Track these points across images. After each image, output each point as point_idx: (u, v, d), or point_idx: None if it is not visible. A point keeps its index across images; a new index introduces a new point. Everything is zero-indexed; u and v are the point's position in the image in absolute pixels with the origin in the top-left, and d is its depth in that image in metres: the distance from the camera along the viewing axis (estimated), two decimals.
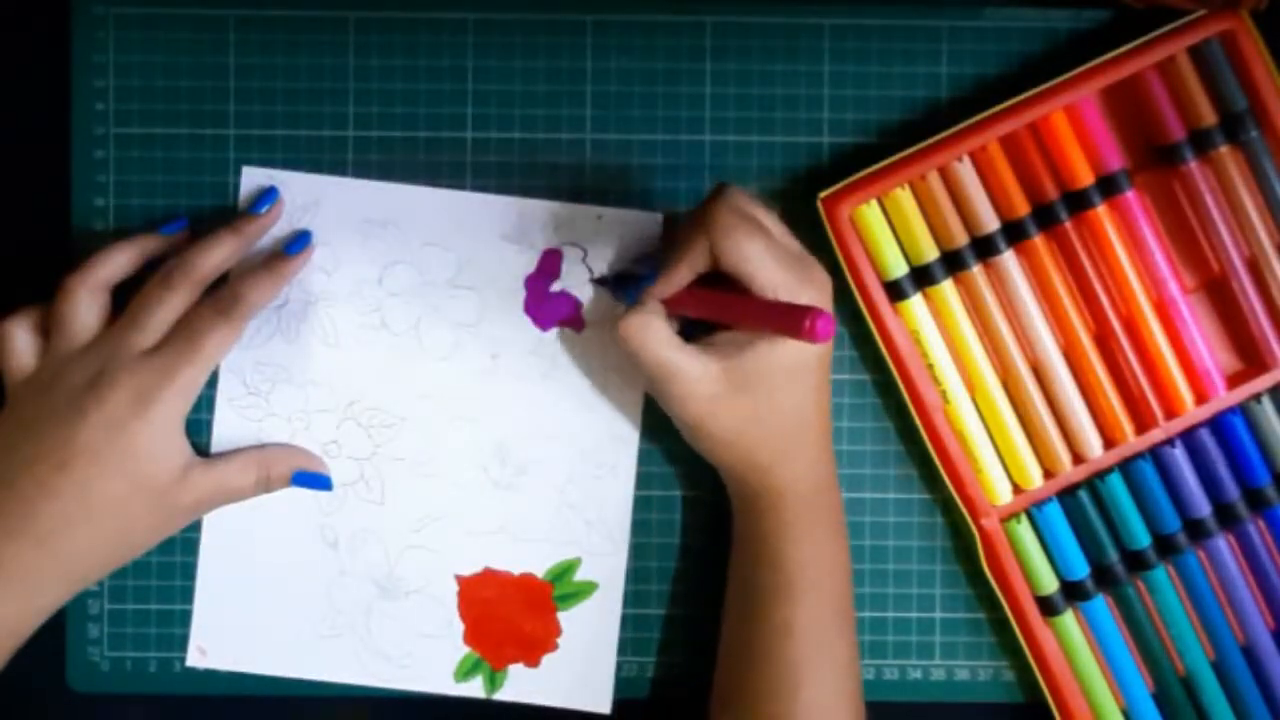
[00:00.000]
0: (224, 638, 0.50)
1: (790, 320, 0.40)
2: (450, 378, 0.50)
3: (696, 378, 0.44)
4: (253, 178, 0.50)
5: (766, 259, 0.43)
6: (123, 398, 0.44)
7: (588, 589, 0.50)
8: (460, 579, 0.50)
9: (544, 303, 0.50)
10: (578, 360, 0.50)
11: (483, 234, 0.50)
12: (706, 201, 0.44)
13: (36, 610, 0.45)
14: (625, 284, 0.49)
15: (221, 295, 0.47)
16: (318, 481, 0.50)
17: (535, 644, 0.50)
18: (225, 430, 0.50)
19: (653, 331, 0.44)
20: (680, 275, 0.45)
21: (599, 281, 0.50)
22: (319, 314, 0.50)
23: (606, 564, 0.50)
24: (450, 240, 0.50)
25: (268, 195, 0.49)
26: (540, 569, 0.50)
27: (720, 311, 0.44)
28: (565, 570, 0.50)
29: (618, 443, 0.50)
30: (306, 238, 0.49)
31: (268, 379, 0.49)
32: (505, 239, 0.50)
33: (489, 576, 0.50)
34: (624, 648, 0.51)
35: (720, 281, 0.44)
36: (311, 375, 0.50)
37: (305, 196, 0.50)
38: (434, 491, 0.50)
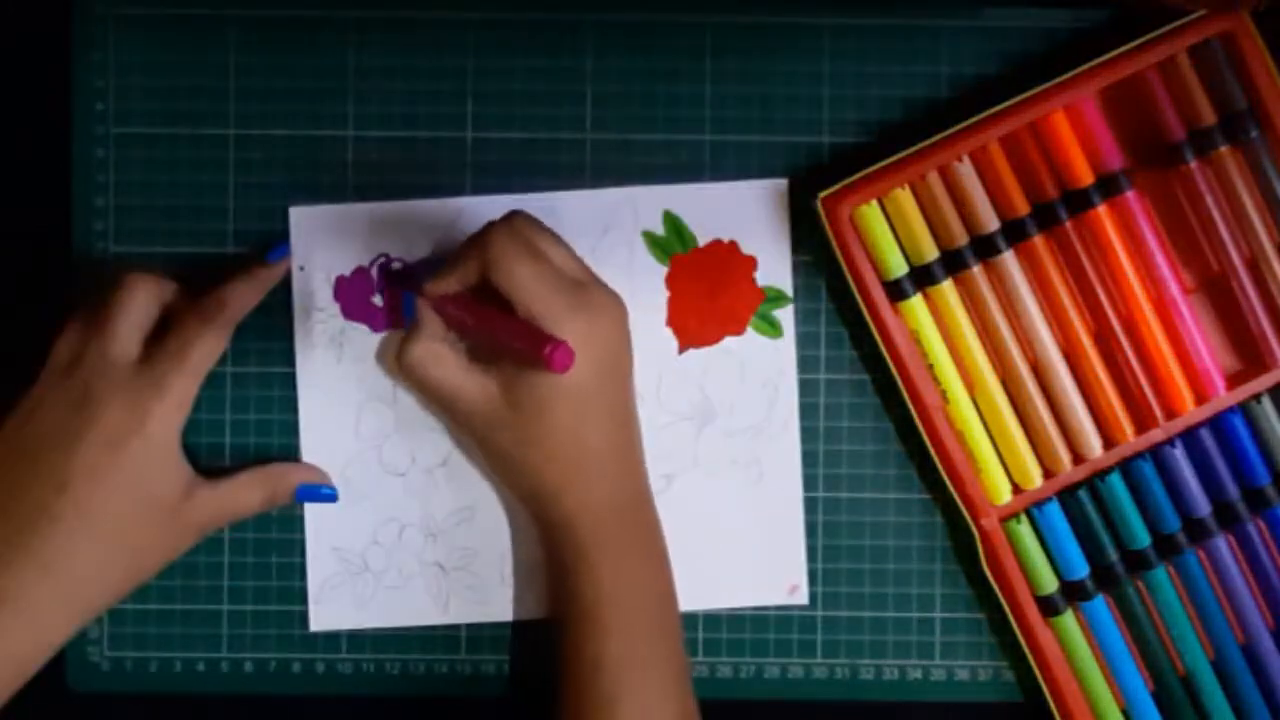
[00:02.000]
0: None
1: (533, 346, 0.41)
2: None
3: (478, 399, 0.45)
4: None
5: (531, 284, 0.43)
6: (117, 413, 0.43)
7: None
8: None
9: (397, 309, 0.50)
10: None
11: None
12: (488, 222, 0.45)
13: (44, 642, 0.44)
14: (405, 282, 0.49)
15: (205, 304, 0.46)
16: (322, 495, 0.49)
17: None
18: None
19: (432, 356, 0.45)
20: (449, 283, 0.45)
21: (389, 282, 0.50)
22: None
23: None
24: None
25: (280, 248, 0.49)
26: None
27: (483, 326, 0.44)
28: None
29: None
30: (285, 247, 0.49)
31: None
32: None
33: None
34: None
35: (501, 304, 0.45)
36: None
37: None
38: None
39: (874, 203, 0.48)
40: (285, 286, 0.50)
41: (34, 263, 0.50)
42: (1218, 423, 0.49)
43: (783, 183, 0.50)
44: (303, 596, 0.50)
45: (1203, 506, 0.49)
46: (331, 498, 0.50)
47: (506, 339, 0.43)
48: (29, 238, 0.51)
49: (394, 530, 0.50)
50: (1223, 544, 0.49)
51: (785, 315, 0.50)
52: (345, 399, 0.50)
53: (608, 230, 0.50)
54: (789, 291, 0.50)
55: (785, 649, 0.51)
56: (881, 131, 0.50)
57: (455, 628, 0.51)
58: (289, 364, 0.50)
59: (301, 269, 0.50)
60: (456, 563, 0.50)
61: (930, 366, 0.48)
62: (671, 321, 0.50)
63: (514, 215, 0.45)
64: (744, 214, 0.50)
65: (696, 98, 0.50)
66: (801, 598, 0.50)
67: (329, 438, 0.50)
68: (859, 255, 0.48)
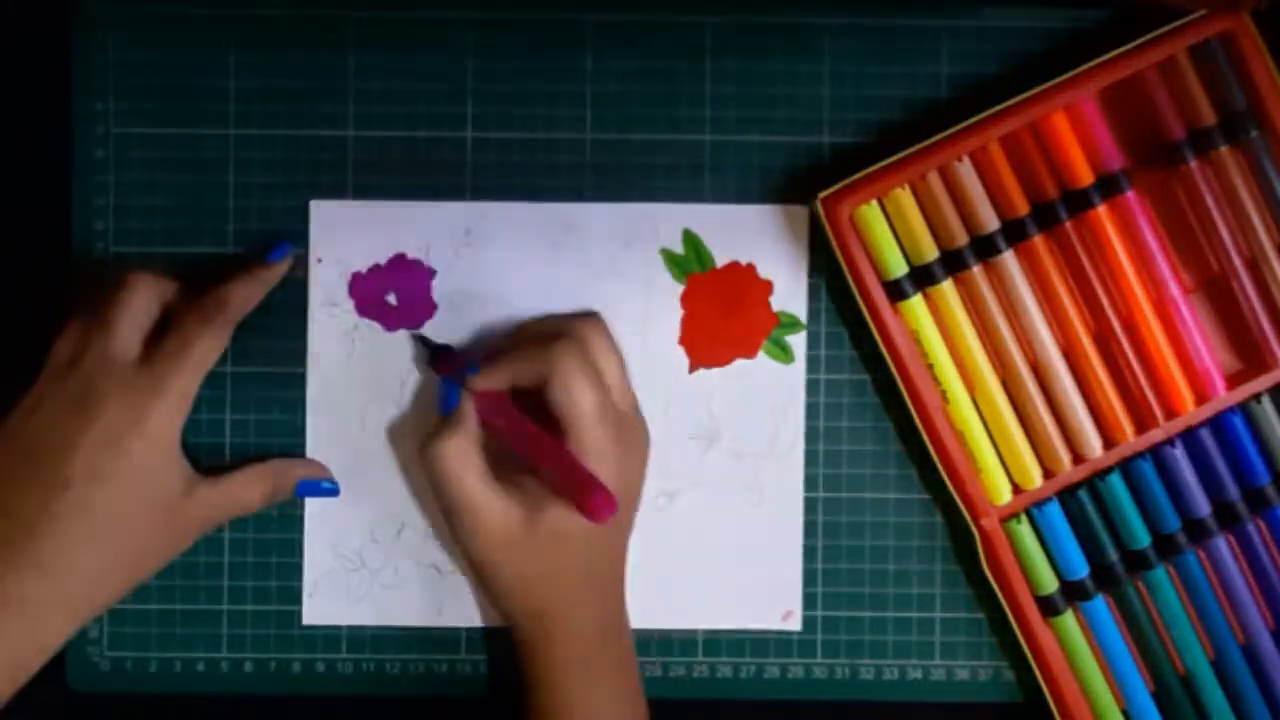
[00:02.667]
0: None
1: (578, 490, 0.41)
2: None
3: (496, 517, 0.44)
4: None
5: (589, 415, 0.43)
6: (116, 413, 0.43)
7: None
8: None
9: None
10: None
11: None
12: (560, 333, 0.45)
13: (43, 643, 0.43)
14: (450, 365, 0.48)
15: (205, 303, 0.46)
16: (323, 489, 0.49)
17: None
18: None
19: (462, 459, 0.44)
20: (499, 379, 0.45)
21: (427, 349, 0.49)
22: None
23: None
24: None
25: (281, 247, 0.49)
26: None
27: (527, 445, 0.44)
28: None
29: None
30: (286, 246, 0.49)
31: None
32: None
33: None
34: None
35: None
36: None
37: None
38: None
39: (874, 203, 0.48)
40: (295, 285, 0.50)
41: (34, 263, 0.50)
42: (1218, 423, 0.49)
43: (803, 210, 0.50)
44: (301, 595, 0.50)
45: (1203, 506, 0.49)
46: (333, 492, 0.50)
47: (551, 465, 0.43)
48: (29, 238, 0.51)
49: (393, 529, 0.50)
50: (1223, 544, 0.49)
51: (798, 341, 0.50)
52: (353, 394, 0.50)
53: (628, 244, 0.50)
54: (803, 318, 0.50)
55: (785, 649, 0.51)
56: (881, 131, 0.50)
57: (455, 629, 0.51)
58: (290, 364, 0.50)
59: (320, 261, 0.50)
60: (453, 566, 0.50)
61: (930, 366, 0.48)
62: (684, 340, 0.50)
63: (585, 327, 0.45)
64: (764, 237, 0.50)
65: (696, 98, 0.50)
66: (795, 624, 0.50)
67: (334, 431, 0.50)
68: (859, 255, 0.48)
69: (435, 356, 0.49)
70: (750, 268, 0.50)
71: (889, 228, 0.48)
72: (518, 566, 0.45)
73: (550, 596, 0.46)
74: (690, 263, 0.50)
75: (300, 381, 0.50)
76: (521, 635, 0.47)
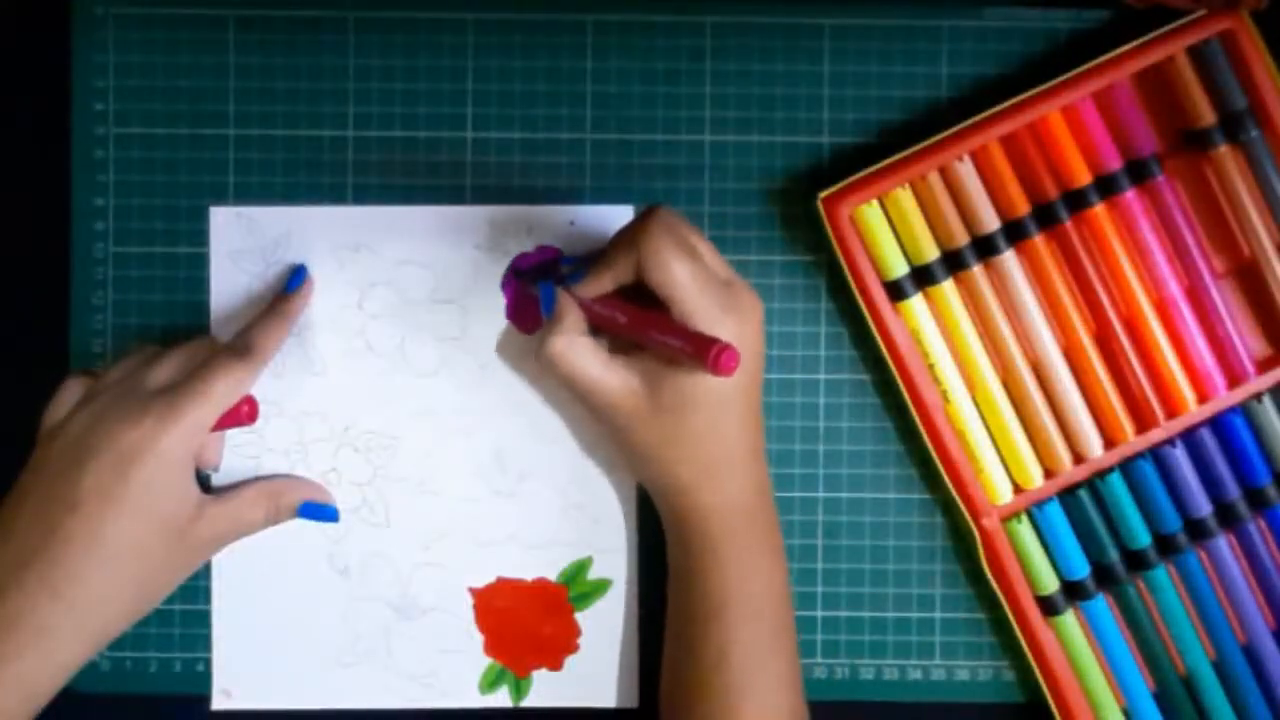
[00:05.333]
0: (246, 677, 0.50)
1: (697, 350, 0.40)
2: (441, 392, 0.50)
3: (621, 393, 0.45)
4: (222, 217, 0.50)
5: (690, 283, 0.43)
6: (130, 435, 0.43)
7: (602, 586, 0.50)
8: (474, 591, 0.50)
9: (524, 306, 0.50)
10: None
11: (457, 246, 0.50)
12: (641, 216, 0.44)
13: (56, 668, 0.43)
14: (548, 279, 0.48)
15: (235, 344, 0.46)
16: (324, 513, 0.49)
17: (556, 647, 0.50)
18: (223, 466, 0.50)
19: (575, 350, 0.44)
20: (602, 283, 0.45)
21: (518, 274, 0.50)
22: (303, 344, 0.50)
23: (618, 560, 0.50)
24: (425, 256, 0.50)
25: (297, 274, 0.49)
26: (553, 572, 0.50)
27: (638, 328, 0.44)
28: (578, 570, 0.50)
29: None
30: (303, 272, 0.49)
31: (260, 415, 0.49)
32: (479, 249, 0.50)
33: (503, 586, 0.50)
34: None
35: (644, 299, 0.44)
36: (303, 406, 0.50)
37: (276, 229, 0.50)
38: (438, 507, 0.50)
39: (874, 203, 0.48)
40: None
41: (34, 263, 0.50)
42: (1218, 422, 0.49)
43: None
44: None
45: (1203, 506, 0.49)
46: (333, 515, 0.50)
47: (665, 339, 0.43)
48: (29, 237, 0.51)
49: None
50: (1223, 544, 0.49)
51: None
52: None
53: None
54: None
55: None
56: (881, 131, 0.50)
57: None
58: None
59: (571, 224, 0.50)
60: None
61: (930, 366, 0.48)
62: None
63: (661, 210, 0.44)
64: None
65: (696, 98, 0.50)
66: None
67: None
68: (859, 255, 0.48)
69: (524, 273, 0.49)
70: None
71: (889, 227, 0.48)
72: (651, 439, 0.45)
73: (689, 470, 0.45)
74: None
75: None
76: (662, 511, 0.47)
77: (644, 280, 0.44)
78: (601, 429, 0.48)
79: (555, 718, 0.50)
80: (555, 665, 0.50)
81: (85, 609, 0.43)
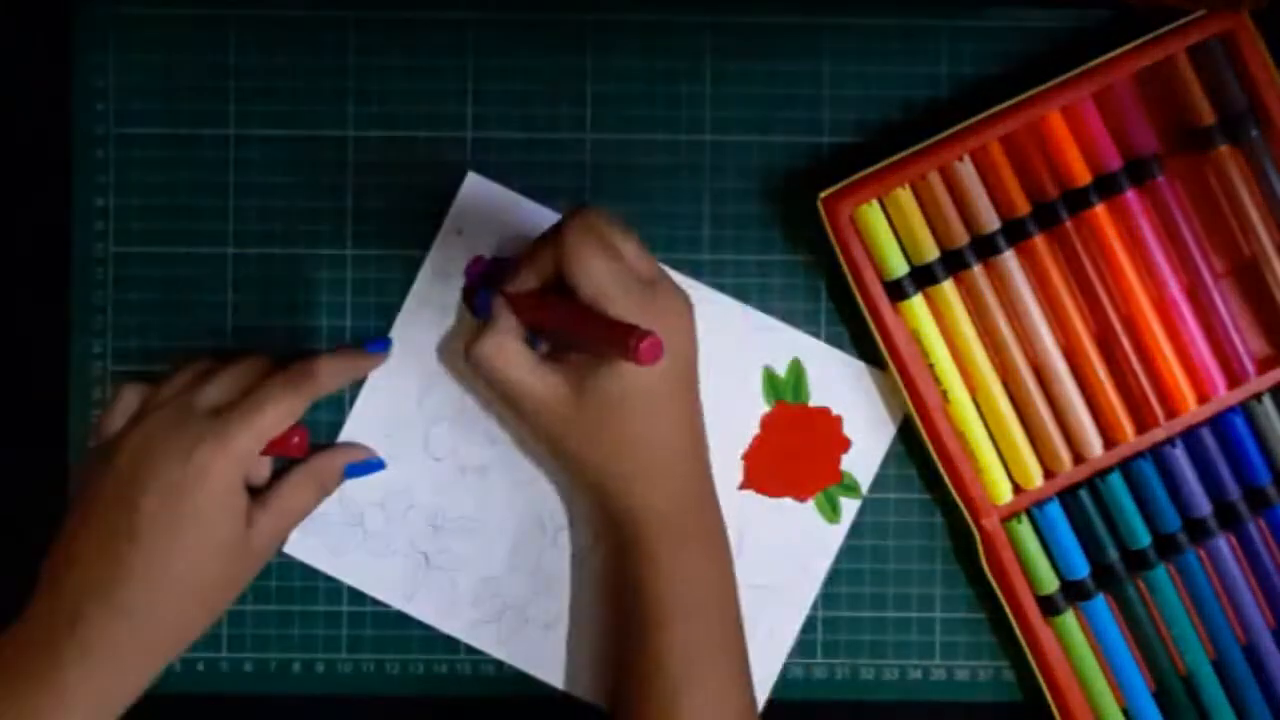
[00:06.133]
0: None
1: (617, 338, 0.40)
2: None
3: (546, 397, 0.45)
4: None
5: (609, 282, 0.43)
6: (181, 469, 0.43)
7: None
8: None
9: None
10: None
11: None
12: (565, 215, 0.44)
13: (129, 687, 0.43)
14: (486, 280, 0.49)
15: (292, 370, 0.46)
16: (371, 467, 0.50)
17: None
18: None
19: (504, 353, 0.45)
20: (526, 280, 0.45)
21: (468, 281, 0.50)
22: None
23: None
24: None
25: (382, 342, 0.49)
26: None
27: (565, 324, 0.44)
28: None
29: None
30: (388, 342, 0.50)
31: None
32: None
33: None
34: None
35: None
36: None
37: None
38: None
39: (874, 202, 0.48)
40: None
41: (34, 263, 0.50)
42: (1218, 422, 0.49)
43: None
44: (301, 596, 0.50)
45: (1203, 506, 0.49)
46: (380, 466, 0.50)
47: (587, 333, 0.43)
48: (29, 238, 0.51)
49: (402, 504, 0.50)
50: (1223, 544, 0.49)
51: (849, 506, 0.51)
52: (424, 367, 0.50)
53: (739, 351, 0.50)
54: (865, 488, 0.51)
55: None
56: (881, 131, 0.50)
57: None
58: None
59: (460, 233, 0.50)
60: (441, 563, 0.50)
61: (931, 366, 0.48)
62: (747, 457, 0.50)
63: (586, 209, 0.44)
64: (859, 395, 0.50)
65: (696, 98, 0.50)
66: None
67: (392, 395, 0.50)
68: (859, 255, 0.48)
69: (474, 275, 0.49)
70: (838, 420, 0.50)
71: (890, 227, 0.48)
72: (579, 442, 0.45)
73: (619, 471, 0.45)
74: (786, 390, 0.50)
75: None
76: (599, 514, 0.48)
77: (565, 278, 0.44)
78: (537, 440, 0.48)
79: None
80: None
81: (152, 631, 0.43)
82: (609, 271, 0.43)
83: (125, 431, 0.45)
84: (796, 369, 0.50)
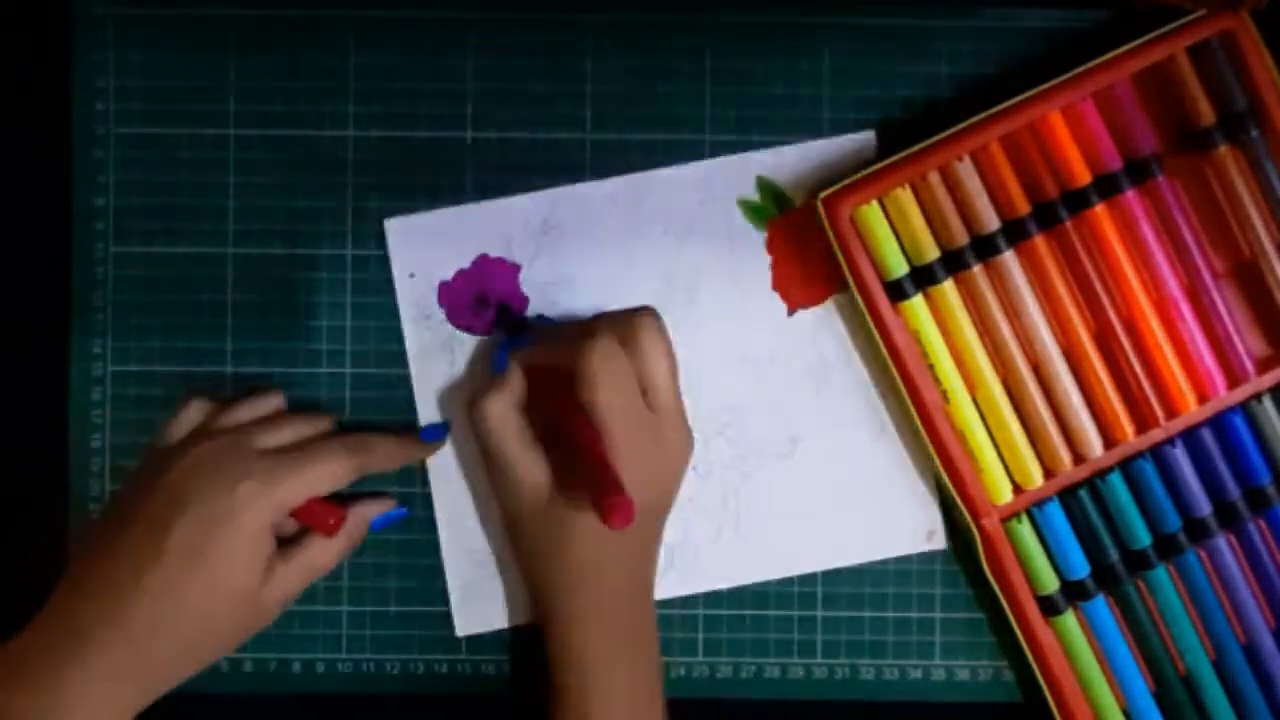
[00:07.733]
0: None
1: (599, 489, 0.40)
2: None
3: (526, 481, 0.45)
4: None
5: (615, 419, 0.43)
6: (222, 501, 0.43)
7: None
8: None
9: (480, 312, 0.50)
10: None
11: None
12: (602, 330, 0.44)
13: (118, 710, 0.43)
14: (512, 332, 0.50)
15: (350, 438, 0.47)
16: (392, 518, 0.50)
17: None
18: None
19: (505, 421, 0.45)
20: (537, 356, 0.46)
21: (502, 319, 0.50)
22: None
23: None
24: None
25: (439, 430, 0.50)
26: None
27: (562, 426, 0.45)
28: None
29: None
30: (443, 430, 0.50)
31: None
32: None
33: None
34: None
35: None
36: None
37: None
38: None
39: (874, 203, 0.48)
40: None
41: (34, 263, 0.50)
42: (1218, 422, 0.49)
43: (870, 135, 0.50)
44: (301, 596, 0.50)
45: (1203, 506, 0.49)
46: (403, 514, 0.50)
47: (583, 456, 0.43)
48: (29, 238, 0.51)
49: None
50: (1223, 544, 0.49)
51: None
52: (461, 403, 0.50)
53: (704, 202, 0.50)
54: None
55: (785, 649, 0.51)
56: (881, 131, 0.50)
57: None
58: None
59: (412, 276, 0.50)
60: None
61: (931, 366, 0.48)
62: (777, 285, 0.50)
63: (628, 330, 0.44)
64: (836, 171, 0.50)
65: (696, 98, 0.50)
66: (940, 543, 0.51)
67: (449, 443, 0.50)
68: (859, 255, 0.48)
69: (504, 321, 0.50)
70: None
71: (890, 227, 0.48)
72: (536, 535, 0.46)
73: (558, 577, 0.46)
74: (768, 209, 0.50)
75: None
76: (539, 608, 0.48)
77: (574, 391, 0.44)
78: (501, 505, 0.49)
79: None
80: None
81: (151, 662, 0.43)
82: (619, 411, 0.43)
83: (183, 447, 0.45)
84: (765, 185, 0.50)
